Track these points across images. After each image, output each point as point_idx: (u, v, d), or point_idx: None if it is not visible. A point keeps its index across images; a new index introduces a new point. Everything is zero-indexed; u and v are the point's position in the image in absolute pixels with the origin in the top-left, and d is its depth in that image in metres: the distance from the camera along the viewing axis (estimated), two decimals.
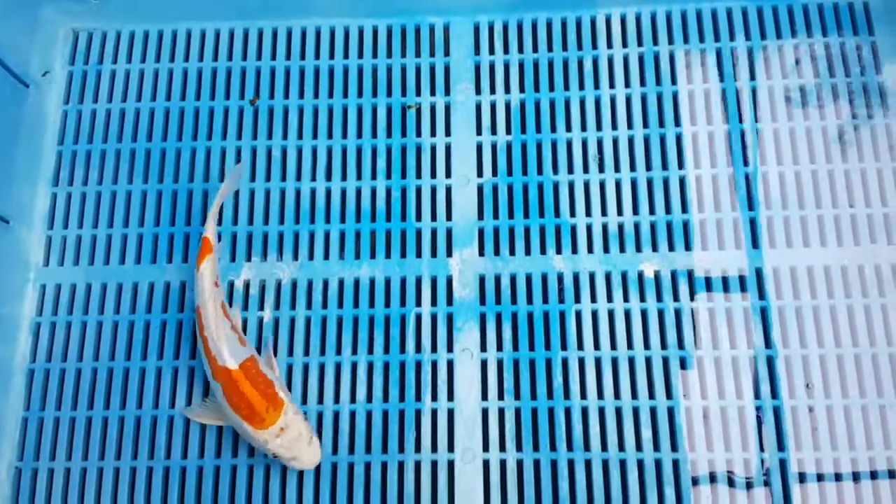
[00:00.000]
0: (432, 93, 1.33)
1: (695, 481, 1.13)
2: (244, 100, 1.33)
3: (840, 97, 1.29)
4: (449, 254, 1.25)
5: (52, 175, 1.31)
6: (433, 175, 1.29)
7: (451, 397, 1.18)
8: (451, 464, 1.15)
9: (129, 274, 1.25)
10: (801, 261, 1.21)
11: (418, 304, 1.23)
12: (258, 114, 1.32)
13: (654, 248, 1.24)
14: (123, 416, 1.19)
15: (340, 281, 1.24)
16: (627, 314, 1.21)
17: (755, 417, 1.15)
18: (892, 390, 1.15)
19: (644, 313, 1.21)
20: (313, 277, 1.24)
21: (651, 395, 1.17)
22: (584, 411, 1.17)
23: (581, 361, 1.19)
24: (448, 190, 1.28)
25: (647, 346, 1.19)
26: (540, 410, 1.17)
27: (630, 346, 1.19)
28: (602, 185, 1.27)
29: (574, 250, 1.24)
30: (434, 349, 1.21)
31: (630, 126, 1.29)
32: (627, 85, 1.31)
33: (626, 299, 1.22)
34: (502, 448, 1.16)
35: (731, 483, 1.13)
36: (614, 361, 1.19)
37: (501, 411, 1.17)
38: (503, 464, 1.15)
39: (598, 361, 1.19)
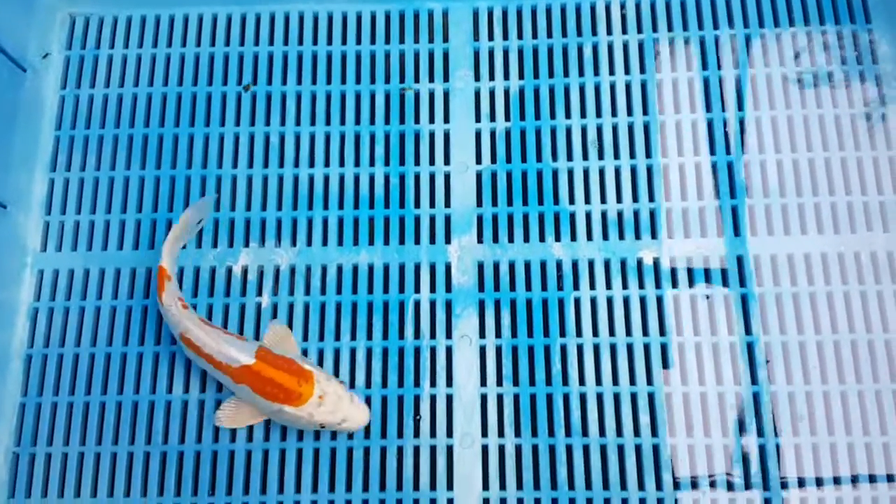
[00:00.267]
0: (431, 79, 1.33)
1: (692, 467, 1.14)
2: (241, 85, 1.32)
3: (837, 86, 1.29)
4: (448, 241, 1.25)
5: (49, 160, 1.30)
6: (432, 162, 1.29)
7: (449, 383, 1.18)
8: (449, 449, 1.15)
9: (126, 259, 1.25)
10: (797, 248, 1.22)
11: (417, 290, 1.23)
12: (256, 100, 1.32)
13: (654, 236, 1.24)
14: (121, 401, 1.19)
15: (339, 267, 1.24)
16: (626, 301, 1.21)
17: (752, 403, 1.16)
18: (888, 375, 1.16)
19: (643, 300, 1.21)
20: (312, 263, 1.24)
21: (649, 382, 1.17)
22: (583, 397, 1.17)
23: (580, 348, 1.19)
24: (447, 177, 1.28)
25: (645, 332, 1.19)
26: (538, 396, 1.17)
27: (629, 332, 1.20)
28: (601, 173, 1.27)
29: (573, 237, 1.25)
30: (433, 335, 1.21)
31: (630, 113, 1.29)
32: (627, 72, 1.31)
33: (624, 286, 1.22)
34: (501, 433, 1.16)
35: (727, 469, 1.13)
36: (612, 348, 1.19)
37: (500, 397, 1.18)
38: (502, 449, 1.15)
39: (596, 348, 1.19)
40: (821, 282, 1.20)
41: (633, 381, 1.17)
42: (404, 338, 1.21)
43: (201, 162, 1.29)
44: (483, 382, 1.18)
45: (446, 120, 1.31)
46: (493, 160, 1.29)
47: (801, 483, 1.13)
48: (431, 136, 1.30)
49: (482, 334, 1.21)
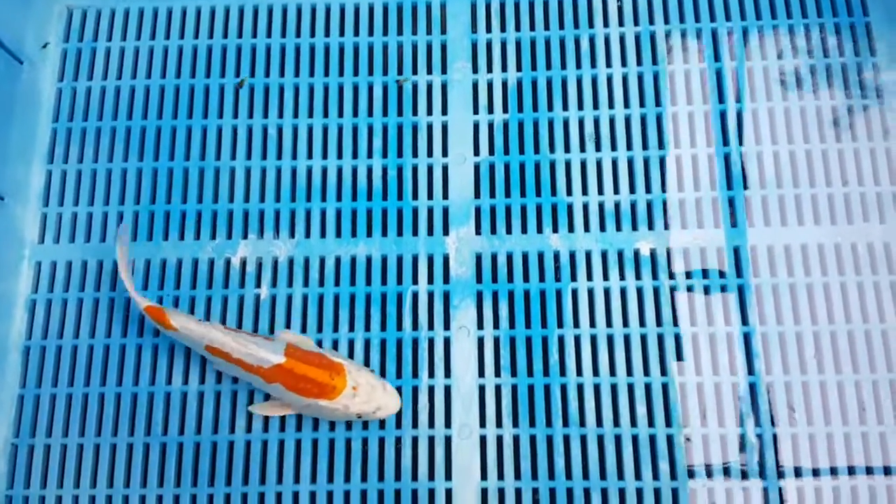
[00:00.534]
0: (429, 71, 1.33)
1: (689, 456, 1.14)
2: (239, 77, 1.32)
3: (834, 78, 1.29)
4: (446, 232, 1.25)
5: (46, 152, 1.30)
6: (430, 154, 1.29)
7: (448, 374, 1.19)
8: (448, 439, 1.16)
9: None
10: (795, 239, 1.22)
11: (415, 282, 1.23)
12: (254, 92, 1.32)
13: (650, 227, 1.24)
14: (119, 392, 1.19)
15: (337, 259, 1.24)
16: (623, 292, 1.22)
17: (748, 393, 1.16)
18: (885, 366, 1.17)
19: (640, 291, 1.21)
20: (310, 255, 1.24)
21: (646, 372, 1.18)
22: (580, 388, 1.18)
23: (577, 339, 1.20)
24: (445, 168, 1.28)
25: (642, 323, 1.20)
26: (536, 387, 1.18)
27: (626, 323, 1.20)
28: (599, 164, 1.27)
29: (570, 229, 1.25)
30: (431, 327, 1.21)
31: (627, 105, 1.30)
32: (624, 64, 1.32)
33: (622, 277, 1.22)
34: (499, 424, 1.16)
35: (724, 458, 1.14)
36: (610, 339, 1.19)
37: (498, 388, 1.18)
38: (500, 439, 1.16)
39: (593, 339, 1.20)
40: (818, 273, 1.21)
41: (630, 372, 1.18)
42: (403, 329, 1.21)
43: (199, 154, 1.29)
44: (481, 373, 1.19)
45: (444, 112, 1.31)
46: (491, 152, 1.29)
47: (798, 472, 1.13)
48: (429, 128, 1.30)
49: (480, 325, 1.21)
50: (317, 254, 1.24)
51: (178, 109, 1.31)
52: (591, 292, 1.22)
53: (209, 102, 1.31)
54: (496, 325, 1.21)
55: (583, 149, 1.28)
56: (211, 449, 1.16)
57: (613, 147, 1.28)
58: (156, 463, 1.16)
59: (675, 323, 1.19)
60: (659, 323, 1.20)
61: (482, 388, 1.18)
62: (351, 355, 1.20)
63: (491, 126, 1.30)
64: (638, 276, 1.22)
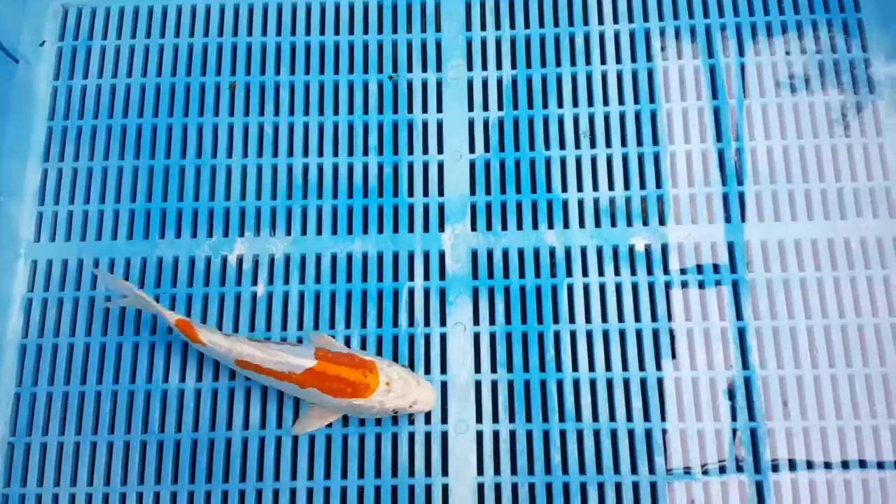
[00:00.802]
0: (424, 69, 1.33)
1: (685, 451, 1.15)
2: (235, 76, 1.33)
3: (827, 74, 1.30)
4: (441, 229, 1.26)
5: (42, 150, 1.30)
6: (425, 151, 1.29)
7: (444, 370, 1.19)
8: (444, 435, 1.16)
9: (120, 249, 1.25)
10: (788, 234, 1.23)
11: (411, 278, 1.24)
12: (250, 89, 1.32)
13: (645, 223, 1.25)
14: (116, 390, 1.19)
15: (333, 256, 1.25)
16: (618, 288, 1.22)
17: (743, 387, 1.17)
18: (878, 360, 1.17)
19: (635, 287, 1.22)
20: (306, 252, 1.25)
21: (641, 367, 1.18)
22: (576, 383, 1.18)
23: (573, 334, 1.20)
24: (440, 166, 1.29)
25: (637, 318, 1.20)
26: (532, 382, 1.18)
27: (621, 318, 1.21)
28: (593, 161, 1.28)
29: (566, 225, 1.25)
30: (427, 323, 1.21)
31: (621, 102, 1.30)
32: (619, 61, 1.32)
33: (617, 273, 1.23)
34: (495, 419, 1.17)
35: (720, 451, 1.14)
36: (605, 334, 1.20)
37: (494, 383, 1.19)
38: (496, 435, 1.16)
39: (589, 334, 1.20)
40: (812, 267, 1.22)
41: (625, 367, 1.18)
42: (398, 325, 1.21)
43: (195, 152, 1.29)
44: (477, 369, 1.19)
45: (439, 109, 1.31)
46: (487, 149, 1.29)
47: (792, 466, 1.14)
48: (424, 125, 1.31)
49: (476, 321, 1.21)
50: (313, 251, 1.25)
51: (173, 107, 1.32)
52: (586, 288, 1.22)
53: (205, 100, 1.32)
54: (492, 322, 1.21)
55: (577, 145, 1.29)
56: (208, 446, 1.16)
57: (608, 144, 1.28)
58: (153, 460, 1.16)
59: (671, 318, 1.20)
60: (654, 318, 1.20)
61: (478, 384, 1.18)
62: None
63: (486, 123, 1.30)
64: (633, 272, 1.23)
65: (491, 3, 1.36)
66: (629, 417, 1.16)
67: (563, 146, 1.29)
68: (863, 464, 1.14)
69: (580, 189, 1.27)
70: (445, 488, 1.14)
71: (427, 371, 1.19)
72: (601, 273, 1.23)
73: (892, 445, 1.14)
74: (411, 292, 1.23)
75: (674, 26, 1.33)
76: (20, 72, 1.31)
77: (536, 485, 1.14)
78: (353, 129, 1.30)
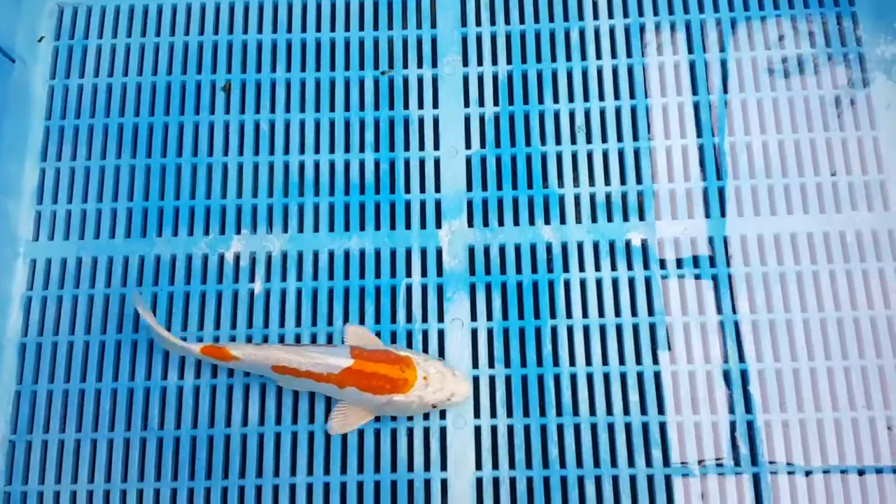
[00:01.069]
0: (419, 65, 1.33)
1: (682, 444, 1.15)
2: (231, 74, 1.33)
3: (821, 67, 1.30)
4: (438, 225, 1.26)
5: (40, 150, 1.31)
6: (421, 147, 1.30)
7: None
8: (443, 430, 1.17)
9: (118, 248, 1.26)
10: (784, 228, 1.23)
11: (408, 274, 1.24)
12: (245, 87, 1.32)
13: (641, 218, 1.25)
14: (116, 388, 1.19)
15: (331, 253, 1.25)
16: (615, 283, 1.23)
17: (740, 380, 1.17)
18: (874, 353, 1.18)
19: (631, 282, 1.23)
20: (303, 249, 1.25)
21: (638, 361, 1.19)
22: (573, 378, 1.19)
23: (570, 329, 1.21)
24: (436, 162, 1.29)
25: (633, 313, 1.21)
26: (530, 377, 1.19)
27: (617, 313, 1.21)
28: (590, 156, 1.28)
29: (562, 220, 1.26)
30: (425, 319, 1.22)
31: (617, 97, 1.30)
32: (614, 56, 1.32)
33: (613, 268, 1.23)
34: (493, 414, 1.17)
35: (717, 445, 1.15)
36: (602, 329, 1.21)
37: (492, 378, 1.19)
38: (494, 429, 1.17)
39: (586, 329, 1.21)
40: (807, 261, 1.22)
41: (622, 361, 1.19)
42: (396, 322, 1.22)
43: (191, 150, 1.30)
44: (475, 364, 1.20)
45: (435, 105, 1.31)
46: (483, 145, 1.30)
47: (790, 460, 1.15)
48: (420, 121, 1.31)
49: (473, 317, 1.22)
50: (310, 248, 1.25)
51: (170, 106, 1.32)
52: (583, 283, 1.23)
53: (201, 98, 1.32)
54: (489, 317, 1.22)
55: (573, 141, 1.29)
56: (207, 443, 1.17)
57: (604, 139, 1.29)
58: (152, 458, 1.16)
59: (667, 313, 1.21)
60: (650, 312, 1.21)
61: (476, 379, 1.19)
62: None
63: (482, 119, 1.31)
64: (629, 267, 1.23)
65: None
66: (626, 411, 1.17)
67: (558, 141, 1.29)
68: (859, 457, 1.14)
69: (576, 184, 1.27)
70: (444, 483, 1.15)
71: None
72: (597, 268, 1.23)
73: (889, 438, 1.15)
74: (409, 289, 1.23)
75: (669, 21, 1.34)
76: (16, 71, 1.31)
77: (534, 479, 1.15)
78: (349, 126, 1.31)
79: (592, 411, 1.17)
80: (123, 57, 1.35)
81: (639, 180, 1.27)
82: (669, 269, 1.22)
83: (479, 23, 1.35)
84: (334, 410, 1.14)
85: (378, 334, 1.21)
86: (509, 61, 1.33)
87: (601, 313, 1.21)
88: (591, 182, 1.27)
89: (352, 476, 1.15)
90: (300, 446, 1.16)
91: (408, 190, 1.28)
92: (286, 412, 1.17)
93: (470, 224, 1.26)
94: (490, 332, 1.21)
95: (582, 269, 1.23)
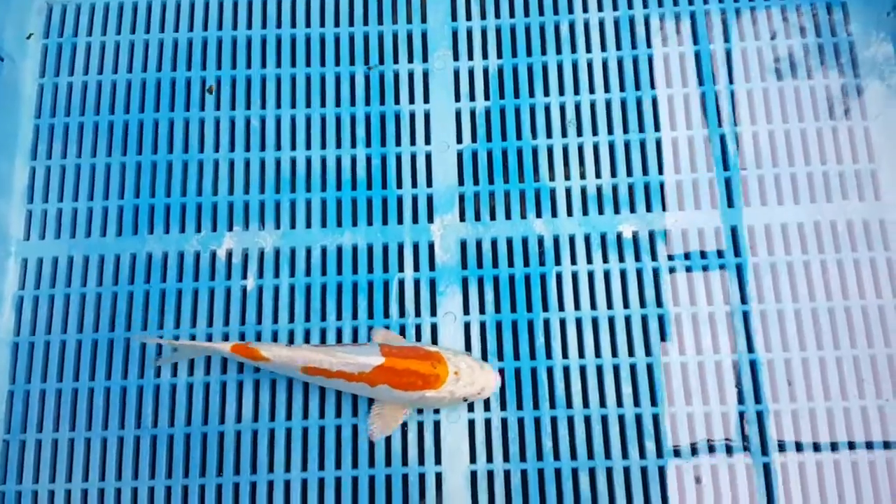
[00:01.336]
0: (410, 60, 1.33)
1: (675, 434, 1.16)
2: (221, 70, 1.33)
3: (812, 58, 1.31)
4: (430, 220, 1.26)
5: (30, 149, 1.30)
6: (412, 142, 1.30)
7: None
8: (437, 424, 1.17)
9: (110, 246, 1.25)
10: (775, 218, 1.24)
11: (401, 269, 1.24)
12: (236, 83, 1.32)
13: (632, 210, 1.26)
14: (109, 386, 1.19)
15: (323, 248, 1.25)
16: (607, 275, 1.23)
17: (732, 371, 1.18)
18: (865, 342, 1.18)
19: (623, 273, 1.23)
20: (296, 246, 1.25)
21: (631, 353, 1.19)
22: (566, 370, 1.19)
23: (562, 322, 1.21)
24: (428, 156, 1.29)
25: (626, 305, 1.21)
26: (523, 370, 1.19)
27: (610, 305, 1.21)
28: (580, 149, 1.28)
29: (554, 213, 1.26)
30: (418, 313, 1.22)
31: (607, 89, 1.30)
32: (604, 49, 1.32)
33: (605, 260, 1.24)
34: (487, 407, 1.18)
35: (709, 435, 1.16)
36: (595, 321, 1.21)
37: None
38: (488, 423, 1.17)
39: (578, 322, 1.21)
40: (798, 251, 1.22)
41: (615, 353, 1.19)
42: (389, 316, 1.22)
43: (182, 147, 1.29)
44: None
45: (426, 100, 1.31)
46: (474, 139, 1.30)
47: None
48: (412, 116, 1.31)
49: (466, 311, 1.22)
50: (303, 244, 1.25)
51: (159, 102, 1.32)
52: (574, 276, 1.23)
53: (191, 95, 1.32)
54: (482, 311, 1.22)
55: (564, 134, 1.29)
56: (201, 440, 1.17)
57: (595, 132, 1.29)
58: (146, 455, 1.16)
59: (659, 304, 1.21)
60: (642, 304, 1.21)
61: None
62: (339, 343, 1.20)
63: (473, 113, 1.31)
64: (621, 259, 1.23)
65: None
66: (619, 403, 1.17)
67: (549, 135, 1.29)
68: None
69: (567, 177, 1.27)
70: (439, 476, 1.15)
71: None
72: (589, 261, 1.24)
73: (868, 425, 1.15)
74: (401, 283, 1.23)
75: (658, 13, 1.34)
76: (6, 70, 1.31)
77: (529, 471, 1.15)
78: (340, 122, 1.31)
79: (586, 403, 1.17)
80: (113, 54, 1.34)
81: (629, 173, 1.27)
82: (661, 261, 1.23)
83: (469, 17, 1.35)
84: (370, 416, 1.14)
85: (370, 330, 1.21)
86: (500, 55, 1.33)
87: (593, 306, 1.21)
88: (583, 175, 1.27)
89: (346, 471, 1.15)
90: (294, 442, 1.17)
91: (399, 185, 1.28)
92: (280, 409, 1.18)
93: (462, 218, 1.26)
94: (483, 326, 1.21)
95: (574, 261, 1.24)
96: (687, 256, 1.23)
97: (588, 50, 1.32)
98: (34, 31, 1.36)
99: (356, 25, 1.35)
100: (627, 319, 1.20)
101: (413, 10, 1.36)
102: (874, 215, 1.23)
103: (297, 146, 1.29)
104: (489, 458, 1.16)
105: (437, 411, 1.17)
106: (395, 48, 1.34)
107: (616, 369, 1.18)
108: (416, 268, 1.24)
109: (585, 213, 1.26)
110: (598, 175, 1.27)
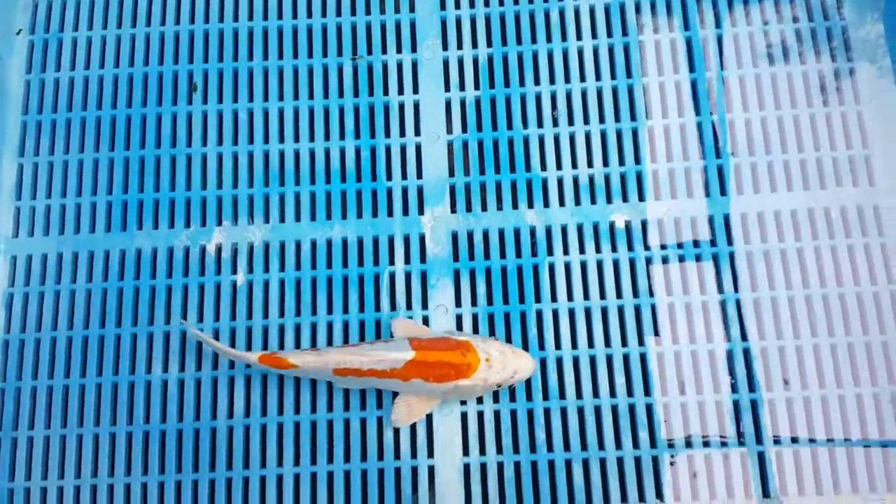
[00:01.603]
0: (399, 50, 1.32)
1: (669, 424, 1.15)
2: (208, 63, 1.32)
3: (804, 42, 1.29)
4: (421, 211, 1.25)
5: (17, 145, 1.29)
6: (402, 133, 1.29)
7: None
8: (429, 417, 1.16)
9: (99, 242, 1.25)
10: (768, 205, 1.23)
11: (392, 262, 1.23)
12: (223, 76, 1.31)
13: (625, 199, 1.25)
14: (100, 382, 1.19)
15: (313, 242, 1.24)
16: (599, 265, 1.22)
17: (725, 360, 1.17)
18: (860, 329, 1.17)
19: (616, 263, 1.22)
20: (285, 239, 1.24)
21: (623, 343, 1.18)
22: (559, 361, 1.18)
23: (555, 313, 1.20)
24: (418, 148, 1.28)
25: (618, 295, 1.20)
26: None
27: (602, 296, 1.20)
28: (572, 138, 1.27)
29: (546, 204, 1.25)
30: (409, 306, 1.21)
31: (598, 78, 1.29)
32: (594, 36, 1.31)
33: (597, 250, 1.23)
34: (479, 400, 1.17)
35: (703, 425, 1.15)
36: (587, 311, 1.20)
37: None
38: (480, 415, 1.17)
39: (571, 312, 1.20)
40: (791, 238, 1.21)
41: (608, 344, 1.18)
42: (380, 310, 1.21)
43: (170, 141, 1.29)
44: None
45: (415, 90, 1.30)
46: (464, 129, 1.28)
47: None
48: (401, 107, 1.30)
49: (458, 303, 1.21)
50: (292, 238, 1.24)
51: (147, 97, 1.31)
52: (567, 266, 1.22)
53: (178, 89, 1.31)
54: (474, 303, 1.21)
55: (555, 123, 1.28)
56: (193, 435, 1.17)
57: (586, 121, 1.28)
58: (139, 451, 1.16)
59: (652, 294, 1.20)
60: (635, 294, 1.20)
61: None
62: (329, 338, 1.20)
63: (463, 103, 1.29)
64: (614, 249, 1.22)
65: None
66: (612, 393, 1.16)
67: (540, 124, 1.28)
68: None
69: (559, 167, 1.26)
70: (431, 470, 1.15)
71: None
72: (582, 251, 1.23)
73: (863, 413, 1.15)
74: (392, 276, 1.23)
75: (649, 0, 1.32)
76: None
77: (522, 463, 1.15)
78: (328, 114, 1.30)
79: (579, 394, 1.17)
80: (99, 49, 1.33)
81: (621, 162, 1.26)
82: (654, 251, 1.22)
83: (458, 6, 1.34)
84: (397, 401, 1.14)
85: (362, 323, 1.20)
86: (489, 44, 1.32)
87: (586, 296, 1.21)
88: (574, 164, 1.26)
89: (338, 465, 1.15)
90: (286, 437, 1.16)
91: (389, 177, 1.27)
92: (272, 403, 1.17)
93: (453, 210, 1.25)
94: (475, 318, 1.21)
95: (566, 252, 1.23)
96: (679, 245, 1.22)
97: (579, 38, 1.31)
98: (20, 27, 1.34)
99: (343, 16, 1.34)
100: (620, 310, 1.20)
101: (401, 0, 1.34)
102: (868, 201, 1.22)
103: (286, 139, 1.28)
104: (482, 451, 1.15)
105: None
106: (383, 38, 1.33)
107: (609, 360, 1.18)
108: (407, 260, 1.23)
109: (577, 203, 1.25)
110: (589, 164, 1.26)
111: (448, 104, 1.29)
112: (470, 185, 1.26)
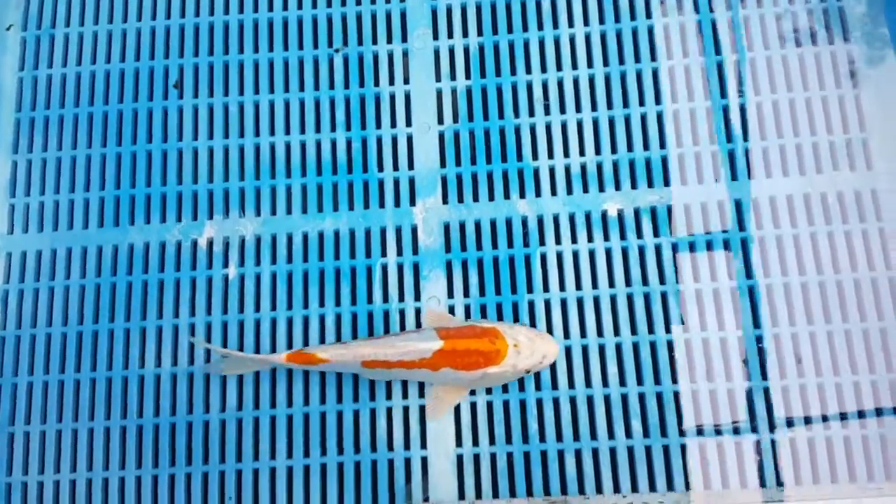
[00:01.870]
0: (389, 40, 1.31)
1: (662, 417, 1.14)
2: (198, 57, 1.31)
3: (800, 25, 1.27)
4: (412, 203, 1.25)
5: (11, 142, 1.30)
6: (393, 124, 1.28)
7: None
8: (422, 409, 1.16)
9: (92, 238, 1.25)
10: (763, 191, 1.21)
11: (384, 254, 1.23)
12: (213, 70, 1.31)
13: (617, 188, 1.23)
14: (95, 377, 1.20)
15: (304, 235, 1.24)
16: (592, 254, 1.21)
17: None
18: (875, 315, 1.15)
19: (608, 252, 1.21)
20: (277, 232, 1.24)
21: (616, 333, 1.17)
22: None
23: (547, 303, 1.19)
24: (409, 138, 1.27)
25: (611, 284, 1.19)
26: None
27: (595, 285, 1.19)
28: (563, 127, 1.26)
29: (538, 193, 1.24)
30: (401, 298, 1.21)
31: (590, 65, 1.28)
32: (586, 23, 1.29)
33: (590, 239, 1.22)
34: (472, 392, 1.16)
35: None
36: (580, 301, 1.19)
37: None
38: (473, 406, 1.16)
39: (563, 302, 1.19)
40: (787, 224, 1.20)
41: (600, 333, 1.17)
42: (373, 302, 1.21)
43: (161, 136, 1.29)
44: None
45: (406, 81, 1.29)
46: (455, 119, 1.28)
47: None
48: (392, 97, 1.29)
49: (451, 294, 1.21)
50: (283, 231, 1.24)
51: (138, 92, 1.31)
52: (559, 256, 1.21)
53: (169, 84, 1.31)
54: (466, 294, 1.21)
55: (547, 112, 1.27)
56: (186, 429, 1.17)
57: (578, 109, 1.26)
58: (133, 445, 1.17)
59: (645, 283, 1.19)
60: (628, 283, 1.19)
61: None
62: (322, 331, 1.20)
63: (454, 93, 1.29)
64: (606, 238, 1.21)
65: None
66: (605, 383, 1.16)
67: (532, 113, 1.27)
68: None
69: (551, 156, 1.25)
70: (424, 461, 1.15)
71: None
72: (574, 240, 1.22)
73: (879, 398, 1.13)
74: (384, 268, 1.22)
75: None
76: None
77: (514, 454, 1.14)
78: (319, 105, 1.29)
79: (571, 384, 1.16)
80: (91, 45, 1.33)
81: (614, 150, 1.24)
82: (646, 239, 1.20)
83: None
84: (429, 395, 1.14)
85: (354, 316, 1.20)
86: (480, 33, 1.31)
87: (578, 286, 1.20)
88: (566, 153, 1.25)
89: (332, 457, 1.15)
90: (279, 430, 1.16)
91: (380, 168, 1.26)
92: (264, 396, 1.17)
93: (444, 201, 1.25)
94: (467, 309, 1.20)
95: (559, 241, 1.22)
96: (672, 233, 1.20)
97: (570, 25, 1.29)
98: (12, 24, 1.35)
99: (334, 6, 1.33)
100: (612, 299, 1.19)
101: None
102: (866, 185, 1.20)
103: (276, 132, 1.28)
104: (475, 442, 1.15)
105: (421, 394, 1.16)
106: (373, 28, 1.32)
107: (602, 349, 1.17)
108: (399, 252, 1.23)
109: (570, 192, 1.24)
110: (581, 153, 1.25)
111: (439, 94, 1.29)
112: (461, 176, 1.25)
